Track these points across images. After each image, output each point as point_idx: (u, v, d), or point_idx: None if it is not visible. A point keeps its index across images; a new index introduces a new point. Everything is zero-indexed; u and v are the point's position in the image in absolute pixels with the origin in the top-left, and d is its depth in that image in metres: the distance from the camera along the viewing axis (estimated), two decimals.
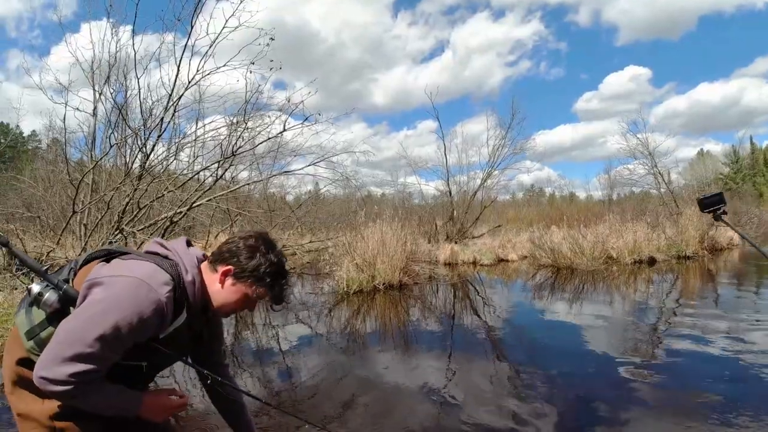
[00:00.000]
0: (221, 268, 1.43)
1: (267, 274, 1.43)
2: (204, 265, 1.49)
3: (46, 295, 1.31)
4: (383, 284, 8.33)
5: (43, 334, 1.31)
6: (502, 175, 18.60)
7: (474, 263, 13.06)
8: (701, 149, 48.27)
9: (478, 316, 6.63)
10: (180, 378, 3.82)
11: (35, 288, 1.32)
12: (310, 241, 14.52)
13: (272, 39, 7.79)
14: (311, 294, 8.52)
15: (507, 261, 13.53)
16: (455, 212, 16.90)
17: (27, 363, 1.36)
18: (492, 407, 3.34)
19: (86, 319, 1.22)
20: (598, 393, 3.58)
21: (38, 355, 1.28)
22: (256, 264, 1.42)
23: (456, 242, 14.87)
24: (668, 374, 3.92)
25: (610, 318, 6.27)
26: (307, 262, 12.45)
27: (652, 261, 11.90)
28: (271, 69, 8.12)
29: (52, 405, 1.33)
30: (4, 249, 1.44)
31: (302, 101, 8.34)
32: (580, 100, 73.60)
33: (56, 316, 1.31)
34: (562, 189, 36.53)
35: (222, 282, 1.44)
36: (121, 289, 1.25)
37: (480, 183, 18.17)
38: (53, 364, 1.18)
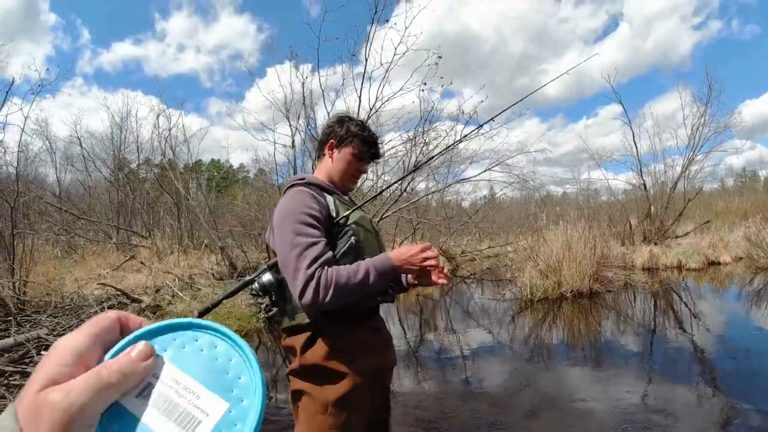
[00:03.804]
0: (326, 149, 1.76)
1: (357, 128, 1.75)
2: (317, 167, 1.81)
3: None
4: (571, 292, 7.78)
5: (264, 280, 1.57)
6: (706, 159, 15.64)
7: (679, 267, 11.30)
8: None
9: (683, 330, 5.75)
10: None
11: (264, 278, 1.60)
12: (489, 247, 14.40)
13: (440, 57, 8.06)
14: (492, 300, 8.40)
15: (718, 264, 11.44)
16: (652, 208, 14.86)
17: (290, 330, 1.61)
18: None
19: (282, 238, 1.48)
20: None
21: (285, 306, 1.58)
22: (347, 127, 1.74)
23: (656, 243, 13.15)
24: None
25: None
26: (487, 268, 12.35)
27: None
28: (442, 86, 8.40)
29: (324, 348, 1.53)
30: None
31: (475, 110, 8.41)
32: None
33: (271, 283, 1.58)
34: None
35: (331, 156, 1.75)
36: (284, 206, 1.54)
37: (680, 171, 15.51)
38: (296, 281, 1.41)
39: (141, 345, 0.36)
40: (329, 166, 1.76)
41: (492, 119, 2.33)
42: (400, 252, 1.53)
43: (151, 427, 0.33)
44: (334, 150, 1.75)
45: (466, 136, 7.02)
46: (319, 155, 1.80)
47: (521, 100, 2.03)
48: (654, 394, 3.69)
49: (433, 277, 1.56)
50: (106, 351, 0.37)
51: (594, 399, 3.62)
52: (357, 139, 1.73)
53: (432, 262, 1.52)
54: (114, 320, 0.38)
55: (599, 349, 5.21)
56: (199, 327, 0.39)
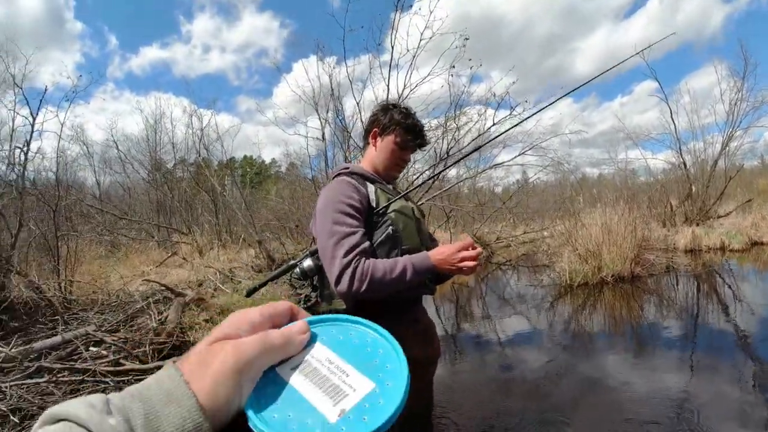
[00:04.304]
0: (370, 138, 1.75)
1: (401, 116, 1.71)
2: (363, 156, 1.82)
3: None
4: (611, 276, 7.60)
5: (305, 266, 1.65)
6: (745, 135, 14.92)
7: (722, 249, 10.86)
8: None
9: (727, 314, 5.52)
10: None
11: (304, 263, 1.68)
12: (524, 232, 14.22)
13: (467, 39, 7.93)
14: (529, 286, 8.28)
15: (762, 244, 10.96)
16: (693, 187, 14.31)
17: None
18: (739, 425, 2.77)
19: (321, 226, 1.51)
20: None
21: (324, 291, 1.63)
22: (391, 114, 1.72)
23: (697, 224, 12.67)
24: None
25: None
26: (523, 254, 12.18)
27: None
28: (471, 68, 8.27)
29: None
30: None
31: (507, 92, 8.25)
32: None
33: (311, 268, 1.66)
34: None
35: (375, 145, 1.74)
36: (325, 196, 1.57)
37: (720, 148, 14.79)
38: (332, 268, 1.45)
39: (300, 322, 0.42)
40: (373, 155, 1.75)
41: (542, 110, 2.27)
42: (439, 251, 1.52)
43: (302, 393, 0.37)
44: (378, 138, 1.74)
45: (503, 118, 6.87)
46: (365, 144, 1.80)
47: (579, 87, 1.94)
48: (697, 379, 3.60)
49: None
50: None
51: (637, 385, 3.53)
52: (399, 127, 1.71)
53: (469, 263, 1.50)
54: (287, 308, 0.43)
55: (641, 334, 5.08)
56: (353, 321, 0.45)
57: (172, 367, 0.36)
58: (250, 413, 0.36)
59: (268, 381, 0.38)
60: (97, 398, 0.32)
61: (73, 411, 0.30)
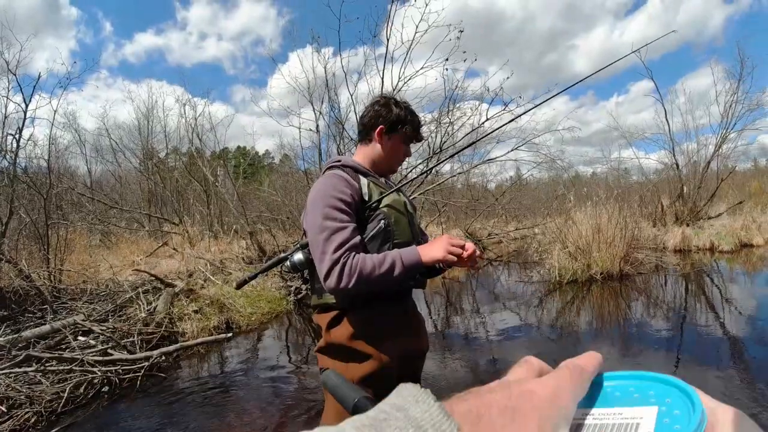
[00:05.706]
0: (374, 134, 1.71)
1: (407, 113, 1.72)
2: (357, 149, 1.79)
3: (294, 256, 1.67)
4: (600, 274, 7.67)
5: (295, 259, 1.64)
6: (739, 138, 14.96)
7: (711, 249, 11.00)
8: None
9: (714, 314, 5.59)
10: None
11: (294, 257, 1.67)
12: (516, 229, 14.28)
13: (461, 31, 7.91)
14: (519, 282, 8.34)
15: (751, 246, 11.08)
16: (685, 188, 14.45)
17: (318, 308, 1.67)
18: None
19: (311, 221, 1.51)
20: None
21: (315, 284, 1.62)
22: (397, 113, 1.70)
23: (688, 224, 12.80)
24: None
25: None
26: (514, 250, 12.24)
27: None
28: (465, 60, 8.25)
29: (349, 329, 1.57)
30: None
31: (501, 87, 8.22)
32: None
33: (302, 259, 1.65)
34: None
35: (380, 142, 1.71)
36: (316, 190, 1.56)
37: (713, 150, 14.86)
38: (321, 264, 1.45)
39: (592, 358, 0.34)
40: (376, 151, 1.72)
41: (536, 107, 2.28)
42: (427, 245, 1.52)
43: None
44: (384, 136, 1.71)
45: (496, 114, 6.85)
46: (364, 139, 1.75)
47: (573, 85, 1.95)
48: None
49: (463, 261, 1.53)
50: None
51: None
52: (407, 125, 1.72)
53: (453, 258, 1.49)
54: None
55: (627, 332, 5.14)
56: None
57: (442, 414, 0.22)
58: None
59: None
60: None
61: None
